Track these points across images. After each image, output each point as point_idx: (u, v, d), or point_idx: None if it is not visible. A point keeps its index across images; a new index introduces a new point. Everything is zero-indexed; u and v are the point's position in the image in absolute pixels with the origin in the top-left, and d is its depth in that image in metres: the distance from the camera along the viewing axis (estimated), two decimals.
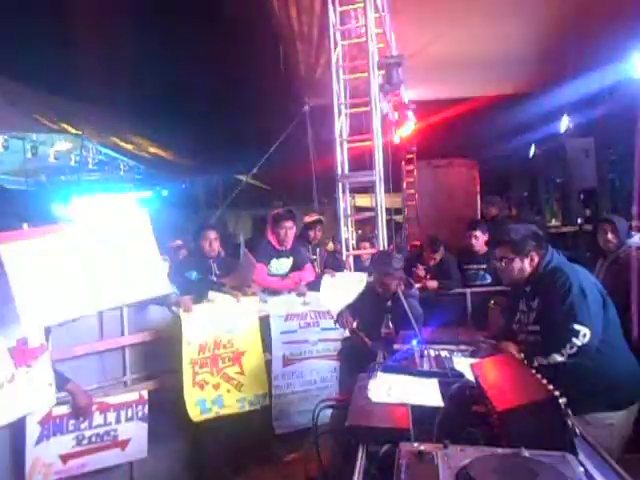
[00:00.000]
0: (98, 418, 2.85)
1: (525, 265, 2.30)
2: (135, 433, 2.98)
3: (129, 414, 2.97)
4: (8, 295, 2.30)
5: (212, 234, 3.97)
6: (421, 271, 4.73)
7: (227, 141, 9.18)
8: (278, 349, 3.85)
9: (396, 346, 2.36)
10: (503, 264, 2.37)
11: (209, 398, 3.38)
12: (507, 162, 9.85)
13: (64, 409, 2.70)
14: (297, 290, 4.06)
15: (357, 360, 2.67)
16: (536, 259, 2.30)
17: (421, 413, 1.54)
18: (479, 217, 7.18)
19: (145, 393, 3.05)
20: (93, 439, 2.82)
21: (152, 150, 9.71)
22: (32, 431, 2.59)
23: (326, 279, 4.23)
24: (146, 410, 3.03)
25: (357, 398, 1.66)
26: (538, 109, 7.99)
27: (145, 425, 3.03)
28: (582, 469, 1.17)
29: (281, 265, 4.24)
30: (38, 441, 2.61)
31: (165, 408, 3.18)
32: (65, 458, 2.71)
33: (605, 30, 5.53)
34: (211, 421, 3.37)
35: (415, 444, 1.28)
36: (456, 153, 8.15)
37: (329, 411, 1.98)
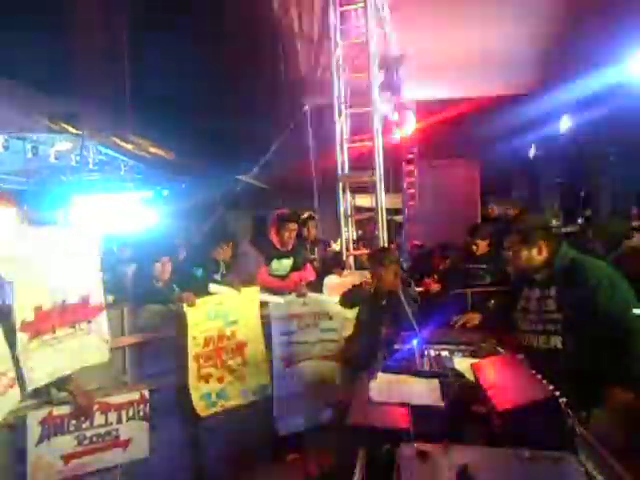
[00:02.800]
0: (99, 418, 2.86)
1: (533, 254, 2.29)
2: (136, 433, 2.99)
3: (130, 414, 2.98)
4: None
5: (227, 246, 4.10)
6: (435, 286, 4.66)
7: (227, 141, 9.18)
8: (278, 350, 3.84)
9: (396, 346, 2.36)
10: (511, 253, 2.36)
11: (214, 391, 3.39)
12: (507, 162, 9.86)
13: (65, 409, 2.71)
14: (297, 291, 4.06)
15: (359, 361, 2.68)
16: (545, 249, 2.29)
17: (421, 413, 1.54)
18: (479, 217, 7.20)
19: (146, 392, 3.06)
20: (94, 439, 2.83)
21: (152, 150, 9.70)
22: (33, 431, 2.60)
23: (330, 278, 4.22)
24: (147, 409, 3.04)
25: (357, 398, 1.66)
26: (538, 109, 8.00)
27: (146, 424, 3.03)
28: (582, 469, 1.17)
29: (281, 265, 4.24)
30: (39, 441, 2.62)
31: (165, 408, 3.18)
32: (67, 458, 2.72)
33: (605, 30, 5.54)
34: (211, 421, 3.37)
35: (415, 444, 1.28)
36: (456, 153, 8.15)
37: (329, 411, 1.98)
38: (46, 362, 2.38)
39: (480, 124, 8.45)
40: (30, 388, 2.31)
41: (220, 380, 3.44)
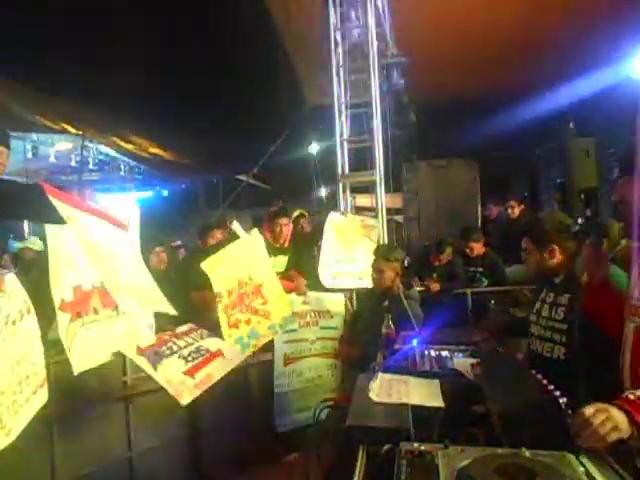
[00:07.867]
0: (181, 341, 2.82)
1: (545, 258, 2.21)
2: (219, 345, 3.01)
3: (199, 334, 2.98)
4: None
5: (218, 233, 4.03)
6: (435, 286, 4.66)
7: (227, 141, 9.19)
8: (280, 348, 3.87)
9: (396, 346, 2.36)
10: (524, 255, 2.31)
11: (245, 334, 3.40)
12: (507, 162, 9.85)
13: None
14: (297, 290, 4.08)
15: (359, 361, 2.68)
16: (558, 254, 2.19)
17: (421, 413, 1.54)
18: (479, 217, 7.20)
19: (190, 324, 3.02)
20: (194, 355, 2.80)
21: (152, 150, 9.72)
22: (140, 362, 2.51)
23: None
24: (205, 330, 3.03)
25: (357, 398, 1.66)
26: (538, 109, 8.00)
27: (217, 339, 3.04)
28: (582, 469, 1.17)
29: (277, 262, 4.25)
30: (154, 364, 2.53)
31: (165, 408, 3.18)
32: (190, 373, 2.66)
33: (606, 29, 5.54)
34: (211, 420, 3.37)
35: (415, 444, 1.28)
36: (456, 153, 8.14)
37: (329, 410, 1.98)
38: (91, 345, 2.23)
39: (480, 124, 8.45)
40: (77, 372, 2.14)
41: (248, 322, 3.46)
